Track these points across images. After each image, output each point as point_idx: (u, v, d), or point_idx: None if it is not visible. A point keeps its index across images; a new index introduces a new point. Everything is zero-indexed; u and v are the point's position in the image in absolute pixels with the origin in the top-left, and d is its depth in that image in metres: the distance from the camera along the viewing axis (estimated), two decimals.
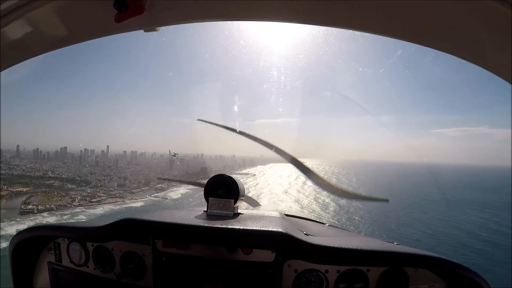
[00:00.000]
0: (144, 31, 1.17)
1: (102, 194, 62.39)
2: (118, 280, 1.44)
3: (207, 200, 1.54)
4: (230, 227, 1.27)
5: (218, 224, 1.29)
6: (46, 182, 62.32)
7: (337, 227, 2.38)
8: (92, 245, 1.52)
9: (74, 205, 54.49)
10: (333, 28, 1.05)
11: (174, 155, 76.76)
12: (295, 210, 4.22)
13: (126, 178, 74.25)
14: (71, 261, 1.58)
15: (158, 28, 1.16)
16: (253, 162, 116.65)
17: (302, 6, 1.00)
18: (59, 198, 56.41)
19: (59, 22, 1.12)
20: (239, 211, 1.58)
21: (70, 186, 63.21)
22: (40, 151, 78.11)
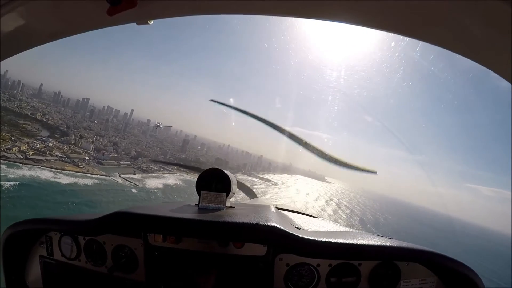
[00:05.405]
0: (137, 24, 1.19)
1: (58, 154, 44.90)
2: (110, 273, 1.44)
3: (199, 194, 1.54)
4: (221, 220, 1.27)
5: (210, 218, 1.29)
6: (20, 122, 49.79)
7: (329, 221, 2.31)
8: (84, 238, 1.53)
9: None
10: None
11: (158, 125, 68.15)
12: (287, 203, 4.27)
13: (116, 144, 56.53)
14: (62, 255, 1.57)
15: (151, 21, 1.18)
16: (278, 169, 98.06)
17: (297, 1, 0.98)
18: (2, 142, 41.01)
19: (53, 15, 1.15)
20: (231, 204, 1.60)
21: (40, 134, 48.66)
22: (62, 95, 70.71)
